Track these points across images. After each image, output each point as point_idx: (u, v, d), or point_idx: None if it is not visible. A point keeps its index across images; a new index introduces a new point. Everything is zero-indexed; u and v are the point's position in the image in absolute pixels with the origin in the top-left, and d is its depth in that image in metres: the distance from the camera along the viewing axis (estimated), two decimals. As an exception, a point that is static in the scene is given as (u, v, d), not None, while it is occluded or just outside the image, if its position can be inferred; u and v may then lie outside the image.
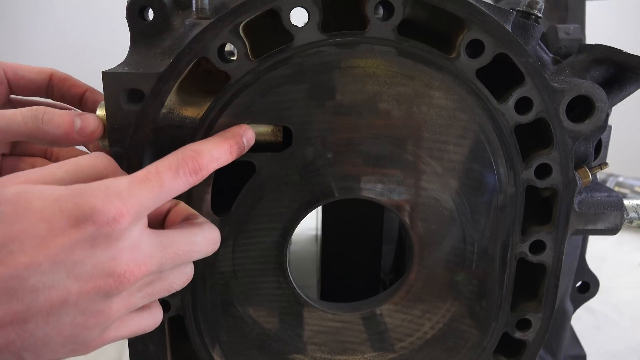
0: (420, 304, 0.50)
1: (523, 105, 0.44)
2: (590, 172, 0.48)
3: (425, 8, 0.43)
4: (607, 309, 0.90)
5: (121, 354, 0.73)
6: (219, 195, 0.45)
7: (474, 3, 0.42)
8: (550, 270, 0.49)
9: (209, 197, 0.45)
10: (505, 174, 0.46)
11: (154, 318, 0.40)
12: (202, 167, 0.38)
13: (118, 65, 0.43)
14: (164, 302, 0.48)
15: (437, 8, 0.42)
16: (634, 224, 0.51)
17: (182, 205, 0.42)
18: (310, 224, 0.98)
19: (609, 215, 0.49)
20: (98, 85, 0.48)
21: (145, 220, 0.36)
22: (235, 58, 0.42)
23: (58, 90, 0.51)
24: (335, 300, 0.53)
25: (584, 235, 0.60)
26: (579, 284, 0.67)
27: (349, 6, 0.43)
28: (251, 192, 0.45)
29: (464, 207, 0.47)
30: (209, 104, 0.43)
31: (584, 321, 0.85)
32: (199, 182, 0.38)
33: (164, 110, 0.43)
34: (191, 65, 0.42)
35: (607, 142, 0.52)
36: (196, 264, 0.46)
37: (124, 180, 0.34)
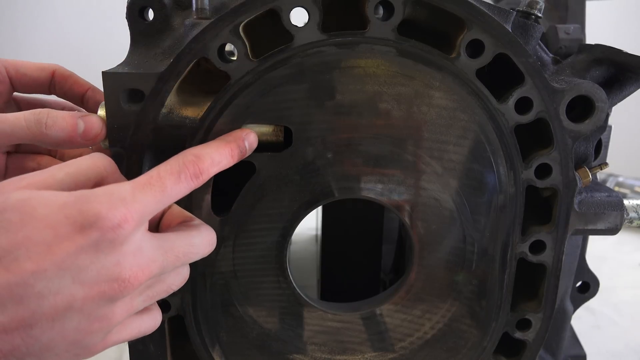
0: (420, 304, 0.50)
1: (523, 105, 0.44)
2: (590, 172, 0.48)
3: (425, 8, 0.43)
4: (607, 309, 0.90)
5: (121, 354, 0.73)
6: (219, 195, 0.45)
7: (474, 3, 0.42)
8: (550, 270, 0.49)
9: (209, 197, 0.45)
10: (505, 174, 0.46)
11: (154, 320, 0.40)
12: (202, 171, 0.38)
13: (118, 65, 0.43)
14: (164, 302, 0.48)
15: (437, 8, 0.42)
16: (634, 224, 0.51)
17: (176, 207, 0.42)
18: (310, 224, 0.98)
19: (609, 215, 0.49)
20: (98, 85, 0.49)
21: (146, 225, 0.36)
22: (235, 58, 0.42)
23: (60, 87, 0.51)
24: (335, 300, 0.53)
25: (584, 235, 0.60)
26: (579, 284, 0.67)
27: (349, 6, 0.43)
28: (251, 192, 0.45)
29: (464, 207, 0.47)
30: (209, 104, 0.43)
31: (584, 321, 0.85)
32: (199, 186, 0.38)
33: (164, 110, 0.43)
34: (191, 65, 0.42)
35: (607, 142, 0.52)
36: (196, 263, 0.46)
37: (127, 186, 0.34)
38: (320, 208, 0.68)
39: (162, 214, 0.42)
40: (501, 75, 0.45)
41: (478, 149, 0.45)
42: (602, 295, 0.70)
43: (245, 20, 0.41)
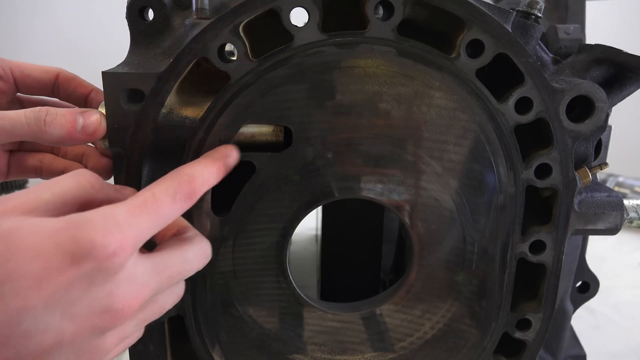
0: (420, 304, 0.50)
1: (523, 105, 0.44)
2: (590, 172, 0.47)
3: (425, 8, 0.43)
4: (607, 309, 0.90)
5: (121, 354, 0.73)
6: (219, 195, 0.45)
7: (474, 3, 0.42)
8: (550, 270, 0.49)
9: (209, 197, 0.45)
10: (505, 174, 0.46)
11: (139, 335, 0.38)
12: (195, 191, 0.37)
13: (118, 65, 0.43)
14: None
15: (437, 8, 0.42)
16: (634, 224, 0.51)
17: None
18: (310, 224, 0.98)
19: (609, 215, 0.49)
20: (98, 85, 0.49)
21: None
22: (235, 58, 0.42)
23: (64, 90, 0.51)
24: (335, 300, 0.53)
25: (584, 235, 0.60)
26: (579, 284, 0.67)
27: (349, 6, 0.43)
28: (251, 192, 0.45)
29: (464, 207, 0.47)
30: (209, 104, 0.43)
31: (584, 321, 0.85)
32: (191, 206, 0.37)
33: (164, 110, 0.43)
34: (191, 65, 0.42)
35: (607, 142, 0.52)
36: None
37: (121, 209, 0.32)
38: (320, 208, 0.68)
39: None
40: (501, 75, 0.45)
41: (478, 149, 0.45)
42: (602, 295, 0.70)
43: (245, 20, 0.41)
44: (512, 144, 0.45)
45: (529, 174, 0.46)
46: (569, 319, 0.64)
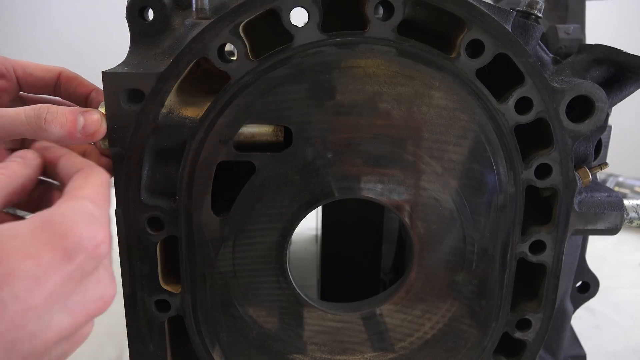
0: (420, 304, 0.50)
1: (523, 105, 0.44)
2: (590, 172, 0.47)
3: (425, 8, 0.43)
4: (607, 309, 0.90)
5: (121, 353, 0.73)
6: (219, 195, 0.45)
7: (474, 3, 0.42)
8: (550, 270, 0.49)
9: (209, 197, 0.45)
10: (505, 174, 0.46)
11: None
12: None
13: (118, 65, 0.43)
14: (164, 303, 0.48)
15: (437, 8, 0.42)
16: (634, 224, 0.51)
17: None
18: (310, 224, 0.98)
19: (609, 215, 0.49)
20: (98, 85, 0.49)
21: None
22: (235, 58, 0.42)
23: (65, 89, 0.52)
24: (335, 300, 0.53)
25: (584, 235, 0.60)
26: (579, 284, 0.67)
27: (349, 6, 0.43)
28: (251, 192, 0.45)
29: (464, 207, 0.47)
30: (209, 104, 0.43)
31: (584, 321, 0.85)
32: None
33: (164, 110, 0.43)
34: (191, 65, 0.42)
35: (607, 142, 0.52)
36: (196, 264, 0.46)
37: (89, 204, 0.33)
38: (320, 208, 0.68)
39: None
40: (501, 75, 0.45)
41: (478, 149, 0.45)
42: (602, 295, 0.70)
43: (245, 20, 0.41)
44: (512, 144, 0.45)
45: (529, 174, 0.46)
46: (569, 319, 0.64)
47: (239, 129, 0.44)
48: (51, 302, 0.29)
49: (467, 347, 0.51)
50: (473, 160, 0.45)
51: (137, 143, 0.43)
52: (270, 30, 0.43)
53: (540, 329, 0.51)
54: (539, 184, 0.46)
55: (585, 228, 0.49)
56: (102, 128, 0.43)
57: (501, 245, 0.48)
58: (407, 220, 0.47)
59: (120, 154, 0.44)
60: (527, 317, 0.51)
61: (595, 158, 0.50)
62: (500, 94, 0.45)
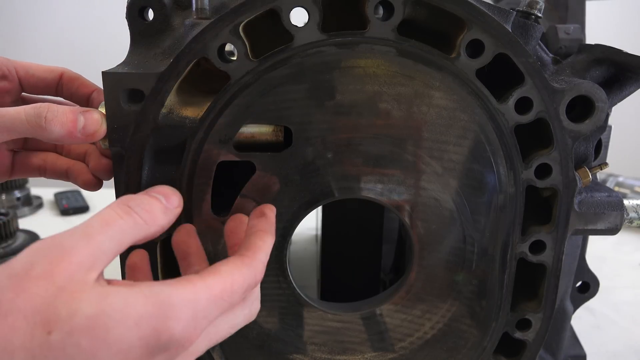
0: (420, 304, 0.50)
1: (523, 105, 0.44)
2: (590, 172, 0.47)
3: (425, 8, 0.43)
4: (607, 309, 0.90)
5: (121, 354, 0.73)
6: (219, 195, 0.45)
7: (474, 3, 0.42)
8: (550, 270, 0.49)
9: (209, 197, 0.45)
10: (505, 174, 0.46)
11: None
12: (257, 288, 0.40)
13: (118, 65, 0.43)
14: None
15: (437, 8, 0.42)
16: (634, 224, 0.51)
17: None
18: (310, 224, 0.98)
19: (609, 215, 0.49)
20: (98, 85, 0.49)
21: None
22: (235, 58, 0.42)
23: (67, 89, 0.52)
24: (335, 300, 0.53)
25: (584, 235, 0.60)
26: (579, 284, 0.67)
27: (349, 6, 0.43)
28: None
29: (464, 207, 0.47)
30: (209, 104, 0.43)
31: (584, 321, 0.85)
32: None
33: (164, 110, 0.43)
34: (191, 65, 0.42)
35: (607, 142, 0.52)
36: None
37: (204, 297, 0.32)
38: (320, 208, 0.68)
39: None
40: (501, 75, 0.45)
41: (478, 149, 0.45)
42: (602, 295, 0.70)
43: (245, 20, 0.41)
44: (512, 144, 0.45)
45: (529, 174, 0.46)
46: (569, 319, 0.64)
47: (239, 129, 0.44)
48: None
49: (467, 347, 0.51)
50: (473, 160, 0.45)
51: (137, 143, 0.43)
52: (270, 30, 0.43)
53: (540, 329, 0.51)
54: (539, 184, 0.46)
55: (585, 228, 0.49)
56: (102, 128, 0.43)
57: (501, 245, 0.48)
58: (407, 220, 0.47)
59: (120, 154, 0.44)
60: (527, 317, 0.51)
61: (595, 158, 0.50)
62: (500, 94, 0.45)
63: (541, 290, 0.50)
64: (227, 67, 0.42)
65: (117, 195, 0.45)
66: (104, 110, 0.43)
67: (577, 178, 0.47)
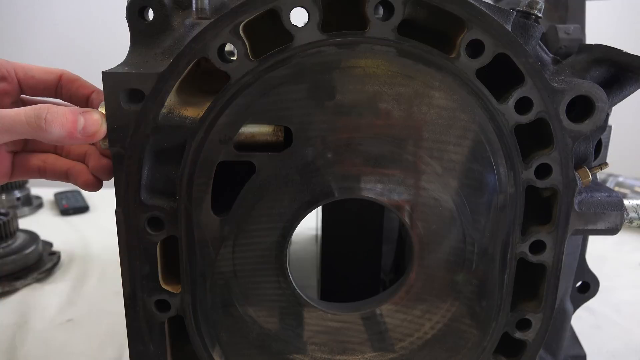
0: (420, 304, 0.50)
1: (523, 105, 0.44)
2: (590, 172, 0.47)
3: (425, 8, 0.43)
4: (607, 309, 0.90)
5: (121, 354, 0.73)
6: (219, 195, 0.45)
7: (474, 3, 0.42)
8: (550, 270, 0.49)
9: (209, 197, 0.45)
10: (505, 174, 0.46)
11: None
12: None
13: (118, 65, 0.43)
14: (164, 303, 0.48)
15: (437, 8, 0.42)
16: (634, 224, 0.51)
17: None
18: (310, 224, 0.98)
19: (609, 215, 0.49)
20: (98, 85, 0.49)
21: None
22: (235, 58, 0.42)
23: (67, 90, 0.52)
24: (335, 300, 0.53)
25: (584, 235, 0.60)
26: (579, 284, 0.67)
27: (349, 6, 0.43)
28: (251, 192, 0.45)
29: (464, 207, 0.47)
30: (209, 104, 0.43)
31: (584, 321, 0.85)
32: None
33: (164, 110, 0.43)
34: (191, 65, 0.42)
35: (607, 142, 0.52)
36: (196, 263, 0.46)
37: None
38: (320, 208, 0.68)
39: None
40: (501, 75, 0.45)
41: (478, 149, 0.45)
42: (602, 295, 0.70)
43: (245, 20, 0.41)
44: (512, 144, 0.45)
45: (529, 174, 0.46)
46: (569, 319, 0.64)
47: (239, 129, 0.44)
48: None
49: (467, 347, 0.51)
50: (473, 160, 0.45)
51: (137, 143, 0.43)
52: (270, 30, 0.43)
53: (540, 329, 0.51)
54: (539, 184, 0.46)
55: (585, 228, 0.49)
56: (102, 129, 0.43)
57: (501, 245, 0.48)
58: (407, 220, 0.47)
59: (120, 154, 0.44)
60: (527, 317, 0.51)
61: (595, 158, 0.50)
62: (501, 94, 0.45)
63: (541, 290, 0.50)
64: (227, 67, 0.42)
65: (117, 195, 0.45)
66: (103, 111, 0.43)
67: (577, 178, 0.47)
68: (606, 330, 0.84)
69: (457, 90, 0.43)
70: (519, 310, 0.51)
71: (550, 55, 0.47)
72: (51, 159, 0.52)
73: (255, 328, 0.49)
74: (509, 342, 0.52)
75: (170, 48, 0.43)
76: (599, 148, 0.50)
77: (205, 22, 0.41)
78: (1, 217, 0.96)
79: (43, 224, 1.20)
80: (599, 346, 0.79)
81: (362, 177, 0.45)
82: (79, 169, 0.51)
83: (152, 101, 0.42)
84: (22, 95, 0.52)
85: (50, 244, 1.06)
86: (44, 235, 1.05)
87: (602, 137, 0.49)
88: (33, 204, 1.32)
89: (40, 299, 0.89)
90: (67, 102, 0.53)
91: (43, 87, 0.51)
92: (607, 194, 0.49)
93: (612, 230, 0.49)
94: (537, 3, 0.45)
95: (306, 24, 0.42)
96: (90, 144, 0.52)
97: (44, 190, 1.40)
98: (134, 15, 0.44)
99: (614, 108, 0.49)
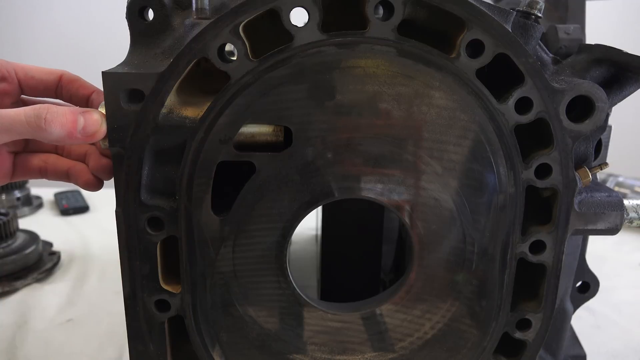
0: (420, 304, 0.50)
1: (523, 105, 0.44)
2: (590, 172, 0.47)
3: (425, 8, 0.43)
4: (607, 309, 0.90)
5: (121, 354, 0.73)
6: (219, 195, 0.45)
7: (474, 3, 0.42)
8: (550, 270, 0.49)
9: (209, 197, 0.45)
10: (505, 174, 0.46)
11: None
12: None
13: (118, 65, 0.43)
14: (164, 303, 0.48)
15: (437, 8, 0.42)
16: (634, 224, 0.51)
17: None
18: (310, 224, 0.98)
19: (609, 215, 0.49)
20: (97, 85, 0.49)
21: None
22: (235, 58, 0.42)
23: (67, 91, 0.52)
24: (335, 300, 0.53)
25: (584, 235, 0.60)
26: (579, 284, 0.67)
27: (349, 6, 0.43)
28: (251, 192, 0.45)
29: (464, 207, 0.47)
30: (209, 104, 0.43)
31: (584, 321, 0.85)
32: None
33: (164, 110, 0.43)
34: (191, 65, 0.42)
35: (607, 142, 0.52)
36: (196, 263, 0.46)
37: None
38: (320, 208, 0.68)
39: None
40: (501, 75, 0.45)
41: (478, 149, 0.45)
42: (602, 295, 0.70)
43: (245, 20, 0.41)
44: (512, 144, 0.45)
45: (529, 174, 0.46)
46: (569, 319, 0.64)
47: (239, 129, 0.44)
48: None
49: (467, 347, 0.51)
50: (473, 160, 0.45)
51: (137, 143, 0.43)
52: (270, 30, 0.43)
53: (540, 329, 0.51)
54: (539, 184, 0.46)
55: (585, 228, 0.49)
56: (102, 129, 0.43)
57: (501, 245, 0.48)
58: (407, 220, 0.47)
59: (120, 154, 0.44)
60: (527, 317, 0.51)
61: (595, 158, 0.50)
62: (501, 94, 0.45)
63: (541, 290, 0.50)
64: (227, 67, 0.42)
65: (117, 195, 0.45)
66: (103, 111, 0.43)
67: (577, 178, 0.47)
68: (606, 330, 0.84)
69: (457, 90, 0.43)
70: (519, 310, 0.51)
71: (550, 55, 0.47)
72: (52, 159, 0.52)
73: (255, 328, 0.49)
74: (509, 342, 0.52)
75: (170, 48, 0.43)
76: (599, 148, 0.50)
77: (205, 22, 0.41)
78: (1, 217, 0.96)
79: (43, 224, 1.20)
80: (599, 346, 0.79)
81: (362, 177, 0.45)
82: (80, 169, 0.52)
83: (152, 101, 0.42)
84: (22, 96, 0.52)
85: (50, 244, 1.06)
86: (44, 235, 1.05)
87: (602, 137, 0.49)
88: (33, 204, 1.32)
89: (40, 299, 0.89)
90: (67, 102, 0.53)
91: (43, 88, 0.51)
92: (607, 194, 0.49)
93: (612, 230, 0.49)
94: (537, 3, 0.45)
95: (306, 24, 0.42)
96: (90, 144, 0.52)
97: (44, 190, 1.40)
98: (134, 15, 0.44)
99: (614, 108, 0.49)
